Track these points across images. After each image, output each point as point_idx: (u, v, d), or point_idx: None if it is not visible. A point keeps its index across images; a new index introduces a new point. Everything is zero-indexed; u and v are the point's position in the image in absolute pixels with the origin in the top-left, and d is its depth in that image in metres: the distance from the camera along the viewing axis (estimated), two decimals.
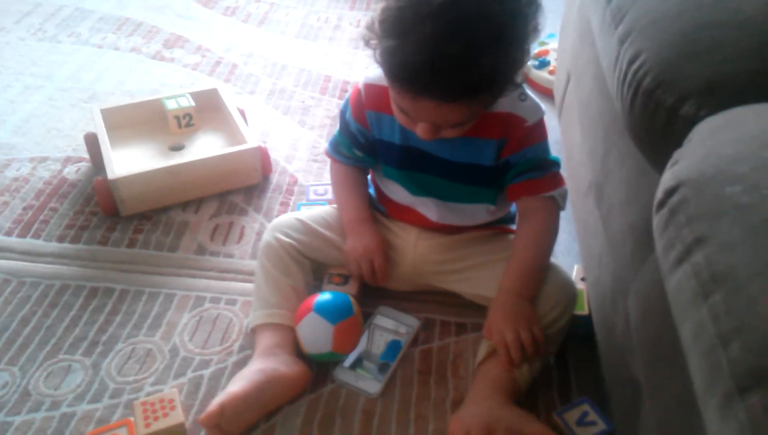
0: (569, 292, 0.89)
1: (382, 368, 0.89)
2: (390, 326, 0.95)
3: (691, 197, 0.46)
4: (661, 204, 0.50)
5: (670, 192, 0.49)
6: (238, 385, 0.81)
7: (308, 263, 0.95)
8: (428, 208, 0.95)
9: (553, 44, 1.58)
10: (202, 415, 0.78)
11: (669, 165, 0.52)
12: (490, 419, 0.78)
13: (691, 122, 0.56)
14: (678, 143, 0.55)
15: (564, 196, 0.91)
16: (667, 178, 0.50)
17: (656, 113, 0.60)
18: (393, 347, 0.92)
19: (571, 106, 1.11)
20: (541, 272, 0.88)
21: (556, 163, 0.89)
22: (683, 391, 0.54)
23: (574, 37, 1.09)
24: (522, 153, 0.86)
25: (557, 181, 0.90)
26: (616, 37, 0.69)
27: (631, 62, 0.64)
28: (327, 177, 1.23)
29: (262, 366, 0.83)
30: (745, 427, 0.35)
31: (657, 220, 0.50)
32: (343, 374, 0.88)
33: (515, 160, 0.87)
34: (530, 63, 1.55)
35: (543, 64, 1.54)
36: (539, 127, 0.86)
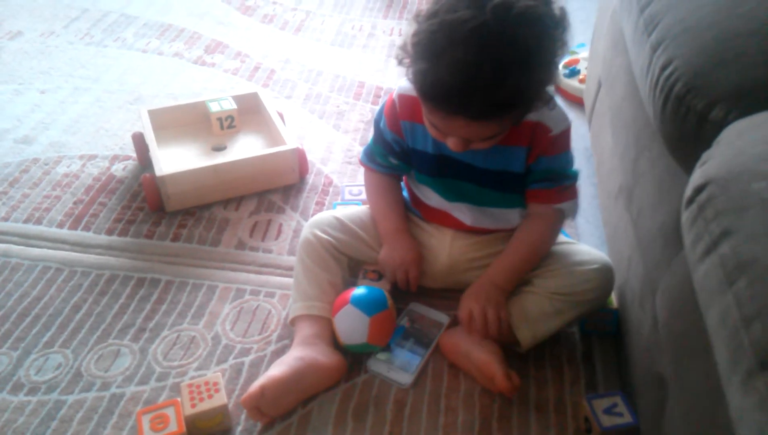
0: (607, 275, 0.91)
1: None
2: (424, 313, 1.00)
3: (718, 193, 0.49)
4: (690, 200, 0.53)
5: (699, 189, 0.52)
6: (278, 369, 0.85)
7: (345, 259, 0.99)
8: (462, 212, 0.98)
9: (583, 53, 1.61)
10: (244, 396, 0.82)
11: (698, 165, 0.55)
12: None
13: (720, 126, 0.60)
14: (707, 145, 0.58)
15: (573, 209, 0.94)
16: (697, 177, 0.53)
17: (687, 117, 0.63)
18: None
19: (602, 112, 1.14)
20: (524, 272, 0.93)
21: (570, 177, 0.92)
22: (707, 383, 0.56)
23: (606, 46, 1.12)
24: (539, 161, 0.89)
25: (566, 194, 0.92)
26: (649, 45, 0.72)
27: (663, 69, 0.67)
28: (360, 179, 1.27)
29: (301, 354, 0.87)
30: (764, 399, 0.38)
31: (686, 216, 0.53)
32: (376, 365, 0.92)
33: (533, 167, 0.90)
34: (560, 71, 1.58)
35: (573, 73, 1.57)
36: (563, 138, 0.89)
